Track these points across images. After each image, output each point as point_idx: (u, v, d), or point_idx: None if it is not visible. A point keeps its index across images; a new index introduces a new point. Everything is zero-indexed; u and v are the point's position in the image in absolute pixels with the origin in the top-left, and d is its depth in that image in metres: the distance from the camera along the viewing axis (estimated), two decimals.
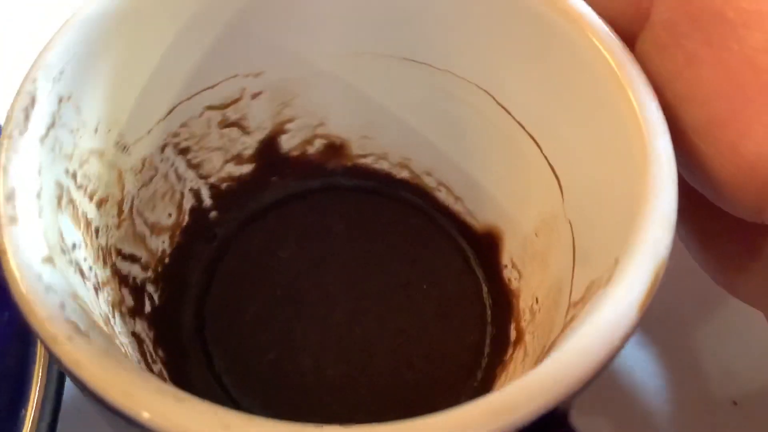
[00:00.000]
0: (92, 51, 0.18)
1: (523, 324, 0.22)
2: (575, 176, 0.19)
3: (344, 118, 0.24)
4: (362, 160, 0.25)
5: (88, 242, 0.18)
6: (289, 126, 0.24)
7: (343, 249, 0.24)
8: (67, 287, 0.14)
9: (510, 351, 0.22)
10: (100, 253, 0.19)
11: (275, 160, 0.24)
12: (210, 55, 0.21)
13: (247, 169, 0.24)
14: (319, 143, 0.25)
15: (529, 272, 0.22)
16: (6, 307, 0.21)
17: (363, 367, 0.23)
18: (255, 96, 0.23)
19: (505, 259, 0.23)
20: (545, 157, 0.21)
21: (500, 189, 0.23)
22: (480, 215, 0.24)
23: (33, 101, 0.16)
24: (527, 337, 0.21)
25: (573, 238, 0.20)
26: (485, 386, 0.22)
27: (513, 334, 0.22)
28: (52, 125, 0.17)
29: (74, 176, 0.18)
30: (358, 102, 0.23)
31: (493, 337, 0.23)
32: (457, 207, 0.24)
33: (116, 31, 0.18)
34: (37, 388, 0.21)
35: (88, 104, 0.18)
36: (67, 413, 0.21)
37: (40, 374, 0.21)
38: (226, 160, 0.24)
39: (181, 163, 0.22)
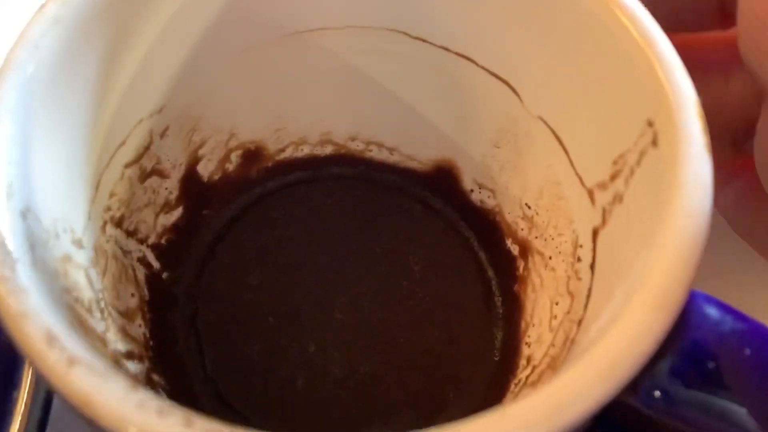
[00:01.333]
0: (28, 146, 0.15)
1: (522, 233, 0.22)
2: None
3: (253, 120, 0.22)
4: (282, 155, 0.24)
5: (105, 354, 0.16)
6: (201, 151, 0.22)
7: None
8: None
9: (521, 264, 0.22)
10: (114, 362, 0.17)
11: (199, 192, 0.22)
12: (116, 112, 0.18)
13: (177, 213, 0.22)
14: (235, 157, 0.23)
15: (504, 185, 0.22)
16: None
17: (368, 365, 0.22)
18: (163, 134, 0.21)
19: (468, 184, 0.23)
20: (485, 69, 0.21)
21: (439, 119, 0.22)
22: (422, 155, 0.23)
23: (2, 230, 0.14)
24: (536, 243, 0.21)
25: (553, 130, 0.20)
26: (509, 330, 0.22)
27: (515, 248, 0.22)
28: (32, 247, 0.14)
29: (69, 292, 0.15)
30: (268, 99, 0.22)
31: (494, 263, 0.23)
32: (394, 158, 0.24)
33: (35, 119, 0.15)
34: (29, 370, 0.20)
35: (42, 209, 0.15)
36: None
37: (30, 377, 0.20)
38: (156, 213, 0.21)
39: (121, 236, 0.20)
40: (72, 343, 0.13)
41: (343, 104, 0.23)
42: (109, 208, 0.19)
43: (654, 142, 0.16)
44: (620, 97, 0.17)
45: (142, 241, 0.21)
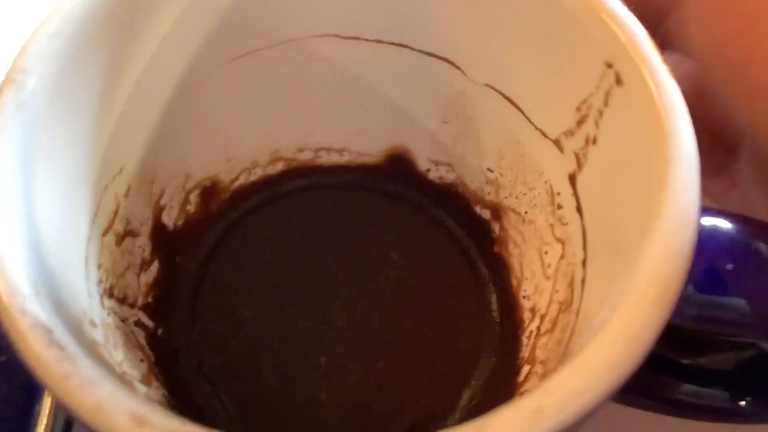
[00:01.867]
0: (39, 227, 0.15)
1: (489, 197, 0.23)
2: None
3: (204, 156, 0.22)
4: (236, 184, 0.24)
5: None
6: (163, 201, 0.22)
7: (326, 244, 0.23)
8: None
9: (495, 226, 0.23)
10: None
11: (168, 241, 0.22)
12: (91, 184, 0.18)
13: (155, 268, 0.22)
14: (194, 197, 0.23)
15: (460, 156, 0.23)
16: None
17: (382, 361, 0.22)
18: (126, 194, 0.20)
19: (424, 164, 0.24)
20: (422, 52, 0.21)
21: (381, 109, 0.23)
22: (372, 148, 0.24)
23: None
24: (507, 203, 0.22)
25: (502, 93, 0.21)
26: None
27: (486, 213, 0.23)
28: (76, 338, 0.14)
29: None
30: (215, 128, 0.22)
31: (469, 232, 0.24)
32: (345, 158, 0.24)
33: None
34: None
35: (62, 297, 0.15)
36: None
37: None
38: (137, 274, 0.21)
39: (116, 306, 0.19)
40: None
41: (285, 117, 0.23)
42: (100, 281, 0.19)
43: (618, 81, 0.17)
44: (570, 47, 0.18)
45: (132, 305, 0.20)
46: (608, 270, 0.17)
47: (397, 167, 0.24)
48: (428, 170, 0.24)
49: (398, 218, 0.24)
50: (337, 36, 0.21)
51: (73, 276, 0.17)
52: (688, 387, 0.18)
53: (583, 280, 0.18)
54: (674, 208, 0.15)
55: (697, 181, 0.15)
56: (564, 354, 0.18)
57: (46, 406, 0.21)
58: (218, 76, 0.21)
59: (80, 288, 0.17)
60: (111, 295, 0.19)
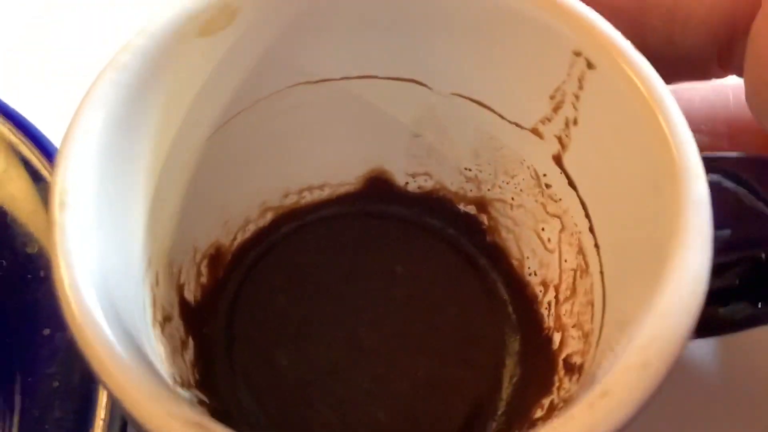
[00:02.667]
0: None
1: (471, 193, 0.25)
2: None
3: (205, 224, 0.23)
4: (235, 244, 0.24)
5: None
6: (182, 280, 0.22)
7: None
8: None
9: (483, 218, 0.25)
10: None
11: (194, 316, 0.23)
12: (135, 283, 0.19)
13: (191, 345, 0.22)
14: (203, 268, 0.23)
15: (436, 164, 0.25)
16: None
17: (421, 369, 0.24)
18: (157, 283, 0.21)
19: (401, 179, 0.25)
20: (388, 78, 0.23)
21: (354, 141, 0.24)
22: (350, 177, 0.25)
23: None
24: (491, 194, 0.24)
25: (471, 99, 0.23)
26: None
27: (471, 209, 0.25)
28: None
29: None
30: (210, 194, 0.22)
31: (459, 230, 0.25)
32: (326, 193, 0.25)
33: None
34: (103, 409, 0.21)
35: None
36: None
37: (106, 395, 0.21)
38: (181, 355, 0.22)
39: (180, 390, 0.20)
40: None
41: (270, 169, 0.24)
42: (167, 372, 0.19)
43: (589, 66, 0.19)
44: (535, 44, 0.20)
45: (189, 386, 0.21)
46: (623, 230, 0.19)
47: (377, 188, 0.25)
48: (407, 183, 0.25)
49: (390, 234, 0.25)
50: (307, 82, 0.22)
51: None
52: (712, 309, 0.21)
53: (596, 245, 0.21)
54: (681, 157, 0.17)
55: (687, 128, 0.17)
56: (603, 310, 0.20)
57: (97, 430, 0.21)
58: (206, 146, 0.21)
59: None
60: (174, 381, 0.20)
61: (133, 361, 0.14)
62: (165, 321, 0.21)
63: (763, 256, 0.21)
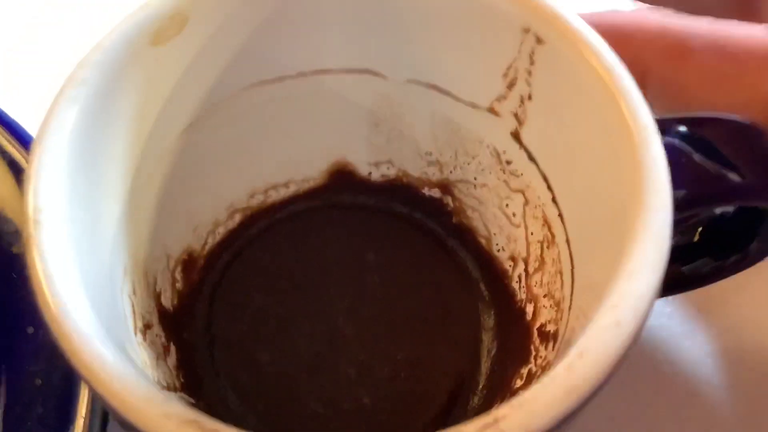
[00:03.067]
0: None
1: (434, 177, 0.25)
2: None
3: (175, 230, 0.23)
4: (206, 248, 0.25)
5: None
6: (158, 287, 0.23)
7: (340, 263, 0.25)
8: None
9: (448, 199, 0.26)
10: None
11: (172, 322, 0.23)
12: (111, 294, 0.19)
13: (172, 351, 0.22)
14: (178, 274, 0.24)
15: (396, 150, 0.25)
16: None
17: (404, 352, 0.24)
18: (134, 292, 0.21)
19: (365, 169, 0.26)
20: (341, 71, 0.23)
21: (313, 137, 0.25)
22: (313, 172, 0.26)
23: None
24: (453, 176, 0.25)
25: (426, 83, 0.23)
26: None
27: (435, 192, 0.26)
28: None
29: None
30: (177, 198, 0.23)
31: (425, 215, 0.26)
32: (291, 190, 0.26)
33: None
34: (84, 407, 0.22)
35: None
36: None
37: (87, 393, 0.22)
38: (164, 360, 0.22)
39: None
40: None
41: (234, 170, 0.24)
42: (153, 378, 0.19)
43: (539, 41, 0.20)
44: (484, 25, 0.21)
45: (175, 390, 0.21)
46: (585, 198, 0.20)
47: (341, 180, 0.26)
48: (370, 173, 0.26)
49: (358, 224, 0.26)
50: (263, 82, 0.23)
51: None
52: (676, 267, 0.22)
53: (560, 215, 0.21)
54: (635, 120, 0.18)
55: (638, 92, 0.18)
56: (573, 277, 0.20)
57: (78, 428, 0.21)
58: (171, 153, 0.22)
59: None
60: (160, 387, 0.20)
61: (123, 367, 0.15)
62: (146, 328, 0.21)
63: (719, 212, 0.22)
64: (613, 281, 0.16)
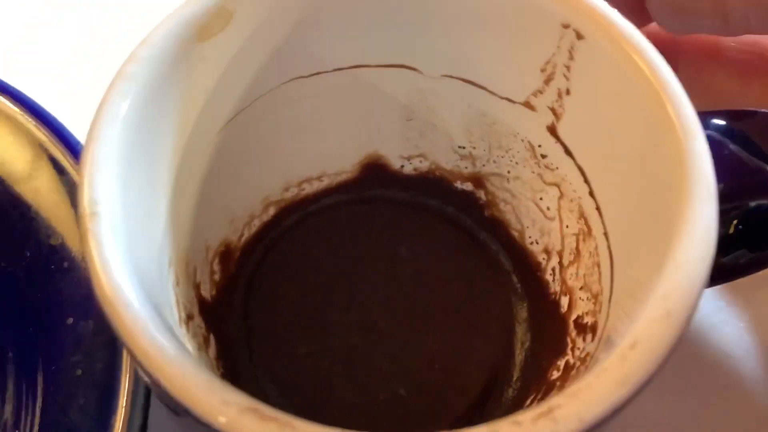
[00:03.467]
0: None
1: (467, 170, 0.26)
2: None
3: (214, 222, 0.23)
4: (243, 240, 0.25)
5: None
6: (197, 279, 0.23)
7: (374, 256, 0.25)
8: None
9: (480, 193, 0.26)
10: None
11: (211, 313, 0.23)
12: (162, 287, 0.19)
13: (212, 341, 0.23)
14: (216, 266, 0.24)
15: (429, 144, 0.26)
16: (91, 315, 0.23)
17: (438, 343, 0.25)
18: (177, 284, 0.21)
19: (397, 163, 0.26)
20: (378, 66, 0.23)
21: (348, 132, 0.25)
22: (347, 166, 0.26)
23: None
24: (486, 170, 0.25)
25: (461, 78, 0.23)
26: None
27: (468, 186, 0.26)
28: None
29: None
30: (216, 193, 0.23)
31: (458, 208, 0.26)
32: (325, 183, 0.26)
33: None
34: (125, 396, 0.22)
35: None
36: (156, 421, 0.22)
37: (128, 382, 0.22)
38: (206, 351, 0.22)
39: None
40: None
41: (270, 163, 0.24)
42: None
43: (579, 36, 0.20)
44: (522, 21, 0.21)
45: None
46: (625, 191, 0.20)
47: (374, 174, 0.26)
48: (402, 167, 0.26)
49: (391, 218, 0.26)
50: (301, 77, 0.23)
51: None
52: (716, 258, 0.22)
53: (597, 209, 0.21)
54: (678, 114, 0.18)
55: (680, 86, 0.18)
56: (612, 269, 0.21)
57: (120, 417, 0.22)
58: (212, 147, 0.22)
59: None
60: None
61: (181, 355, 0.15)
62: (188, 319, 0.21)
63: (754, 204, 0.22)
64: (662, 273, 0.16)
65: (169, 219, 0.20)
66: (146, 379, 0.16)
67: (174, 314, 0.20)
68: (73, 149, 0.25)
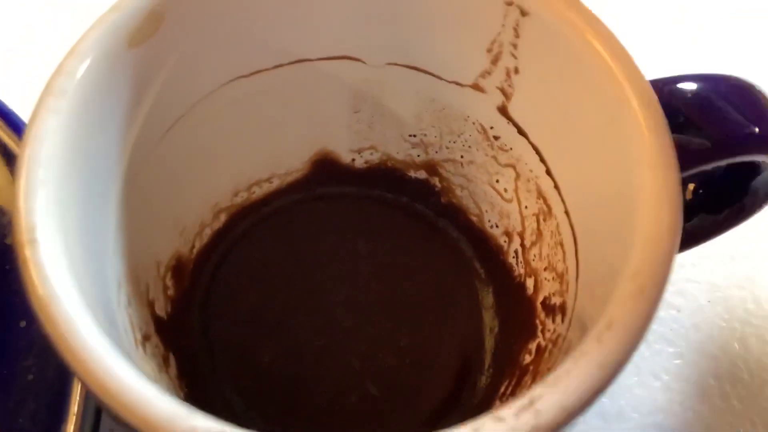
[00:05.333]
0: None
1: (419, 158, 0.25)
2: None
3: (163, 237, 0.23)
4: (194, 251, 0.24)
5: None
6: (150, 296, 0.22)
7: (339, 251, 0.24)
8: None
9: (435, 180, 0.25)
10: None
11: (168, 330, 0.22)
12: (110, 310, 0.18)
13: (172, 361, 0.22)
14: (168, 280, 0.23)
15: (380, 135, 0.25)
16: None
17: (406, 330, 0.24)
18: (129, 304, 0.20)
19: (348, 157, 0.25)
20: (320, 59, 0.23)
21: (294, 127, 0.24)
22: (295, 164, 0.25)
23: None
24: (439, 156, 0.25)
25: (406, 65, 0.23)
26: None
27: (421, 174, 0.25)
28: None
29: None
30: (163, 206, 0.22)
31: (414, 198, 0.26)
32: (274, 185, 0.25)
33: None
34: (77, 403, 0.21)
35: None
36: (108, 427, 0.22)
37: (80, 388, 0.21)
38: (166, 372, 0.21)
39: None
40: None
41: (217, 170, 0.23)
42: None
43: (523, 13, 0.19)
44: (464, 2, 0.20)
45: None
46: (583, 166, 0.20)
47: (324, 170, 0.25)
48: (353, 160, 0.25)
49: (347, 214, 0.25)
50: (241, 77, 0.22)
51: None
52: None
53: (555, 186, 0.21)
54: (631, 83, 0.17)
55: (631, 56, 0.18)
56: (576, 247, 0.20)
57: (71, 424, 0.21)
58: (153, 156, 0.21)
59: None
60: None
61: (140, 384, 0.14)
62: (144, 340, 0.20)
63: (711, 168, 0.22)
64: (631, 248, 0.15)
65: (114, 237, 0.19)
66: (108, 411, 0.15)
67: (129, 337, 0.19)
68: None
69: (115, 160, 0.18)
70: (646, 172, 0.16)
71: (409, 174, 0.25)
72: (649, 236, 0.15)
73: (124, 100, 0.18)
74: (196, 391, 0.22)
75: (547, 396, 0.14)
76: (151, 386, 0.14)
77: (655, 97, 0.17)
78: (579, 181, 0.20)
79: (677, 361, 0.26)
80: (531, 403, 0.14)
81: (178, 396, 0.21)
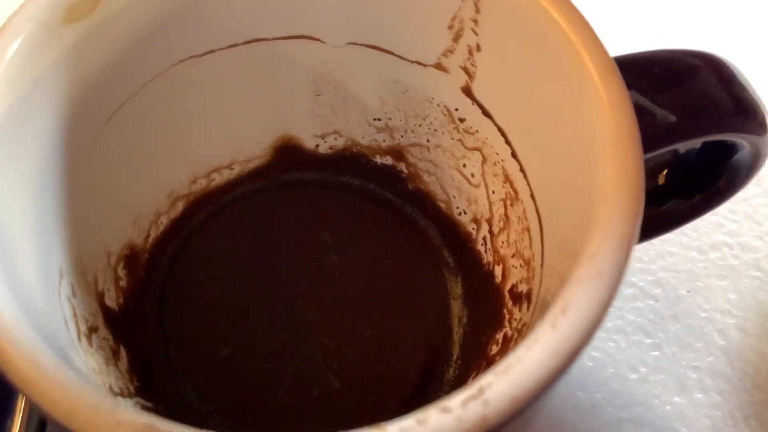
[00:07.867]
0: None
1: (385, 143, 0.24)
2: None
3: (114, 224, 0.22)
4: (150, 240, 0.23)
5: None
6: (100, 287, 0.21)
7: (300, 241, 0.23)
8: None
9: (401, 165, 0.24)
10: None
11: (119, 323, 0.21)
12: (50, 300, 0.17)
13: (123, 353, 0.21)
14: (120, 271, 0.22)
15: (343, 120, 0.24)
16: None
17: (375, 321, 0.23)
18: (73, 294, 0.19)
19: (311, 142, 0.24)
20: (276, 39, 0.22)
21: (254, 113, 0.23)
22: (258, 150, 0.24)
23: None
24: (404, 141, 0.24)
25: (367, 45, 0.22)
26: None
27: (388, 159, 0.24)
28: None
29: None
30: (114, 191, 0.21)
31: (379, 184, 0.25)
32: (235, 172, 0.24)
33: None
34: (23, 399, 0.21)
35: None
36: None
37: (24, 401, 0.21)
38: (115, 365, 0.20)
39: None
40: None
41: (172, 155, 0.22)
42: (105, 386, 0.18)
43: None
44: None
45: (131, 395, 0.20)
46: (547, 148, 0.19)
47: (287, 156, 0.24)
48: (317, 146, 0.24)
49: (311, 202, 0.25)
50: (193, 57, 0.21)
51: None
52: (653, 209, 0.21)
53: (522, 170, 0.20)
54: (594, 59, 0.16)
55: (593, 30, 0.17)
56: (542, 233, 0.19)
57: (17, 419, 0.21)
58: (100, 141, 0.20)
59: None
60: (113, 393, 0.19)
61: (65, 375, 0.13)
62: (90, 332, 0.19)
63: (683, 151, 0.21)
64: (589, 230, 0.15)
65: (54, 226, 0.18)
66: (31, 401, 0.14)
67: (71, 329, 0.18)
68: None
69: (51, 146, 0.17)
70: (607, 149, 0.15)
71: (375, 160, 0.24)
72: (607, 216, 0.14)
73: (60, 80, 0.18)
74: (148, 384, 0.21)
75: (496, 385, 0.13)
76: (78, 378, 0.13)
77: (617, 70, 0.16)
78: (543, 163, 0.19)
79: (655, 353, 0.25)
80: (480, 392, 0.13)
81: (129, 390, 0.20)
